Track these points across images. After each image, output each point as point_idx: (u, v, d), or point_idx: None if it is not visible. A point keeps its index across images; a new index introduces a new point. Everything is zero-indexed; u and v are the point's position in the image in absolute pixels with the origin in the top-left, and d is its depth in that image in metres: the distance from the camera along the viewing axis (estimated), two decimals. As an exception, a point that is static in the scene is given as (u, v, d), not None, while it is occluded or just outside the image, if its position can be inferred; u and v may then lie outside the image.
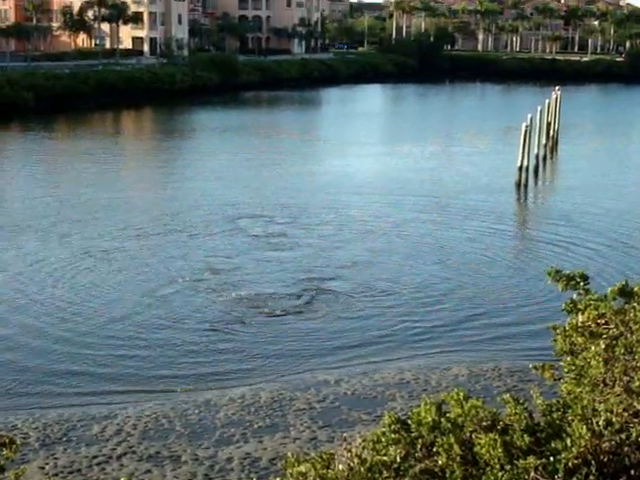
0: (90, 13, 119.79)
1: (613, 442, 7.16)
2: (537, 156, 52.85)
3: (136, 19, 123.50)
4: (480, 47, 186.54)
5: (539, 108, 54.67)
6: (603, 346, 7.79)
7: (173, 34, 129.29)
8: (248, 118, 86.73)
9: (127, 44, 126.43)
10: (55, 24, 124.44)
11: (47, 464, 16.38)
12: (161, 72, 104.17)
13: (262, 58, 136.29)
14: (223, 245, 33.91)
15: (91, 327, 24.51)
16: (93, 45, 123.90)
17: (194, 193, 44.34)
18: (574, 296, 8.81)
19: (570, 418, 7.60)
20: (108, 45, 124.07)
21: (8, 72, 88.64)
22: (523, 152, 47.68)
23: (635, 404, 7.48)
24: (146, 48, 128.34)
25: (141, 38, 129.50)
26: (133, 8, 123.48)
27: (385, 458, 7.09)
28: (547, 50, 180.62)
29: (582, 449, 7.02)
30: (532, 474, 6.71)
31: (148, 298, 27.16)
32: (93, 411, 18.95)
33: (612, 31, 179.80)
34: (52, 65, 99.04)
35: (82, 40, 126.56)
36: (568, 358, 8.19)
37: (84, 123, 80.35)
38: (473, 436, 7.24)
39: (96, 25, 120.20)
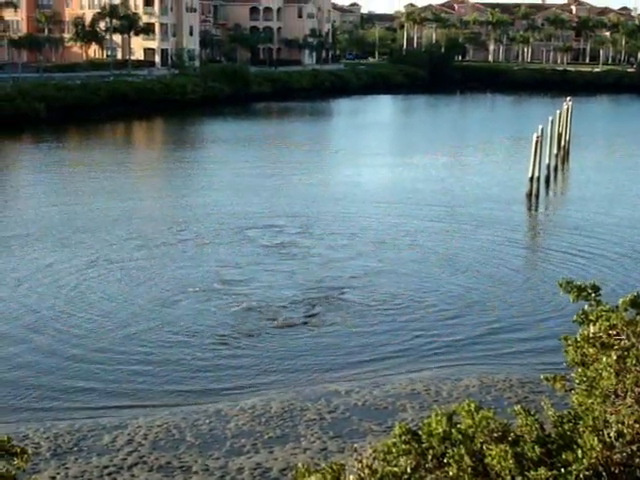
0: (102, 24, 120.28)
1: (624, 454, 7.14)
2: (548, 166, 52.77)
3: (147, 30, 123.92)
4: (491, 58, 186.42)
5: (550, 119, 54.62)
6: (614, 357, 7.77)
7: (184, 45, 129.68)
8: (259, 129, 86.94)
9: (139, 55, 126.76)
10: (67, 35, 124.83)
11: (58, 474, 16.41)
12: (172, 83, 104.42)
13: (273, 69, 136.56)
14: (235, 256, 33.94)
15: (102, 342, 24.55)
16: (105, 56, 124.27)
17: (206, 203, 44.41)
18: (585, 307, 8.80)
19: (581, 429, 7.58)
20: (120, 56, 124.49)
21: (20, 83, 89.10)
22: (534, 163, 47.62)
23: (647, 415, 7.45)
24: (157, 59, 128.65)
25: (152, 49, 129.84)
26: (145, 19, 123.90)
27: (396, 469, 7.09)
28: (558, 61, 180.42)
29: (593, 460, 7.01)
30: (543, 485, 6.69)
31: (159, 310, 27.21)
32: (104, 421, 18.97)
33: (623, 42, 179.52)
34: (64, 76, 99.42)
35: (94, 51, 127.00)
36: (579, 369, 8.18)
37: (95, 134, 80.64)
38: (484, 447, 7.23)
39: (108, 36, 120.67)
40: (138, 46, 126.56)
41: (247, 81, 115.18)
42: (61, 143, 72.73)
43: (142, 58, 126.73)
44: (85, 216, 40.82)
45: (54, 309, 26.93)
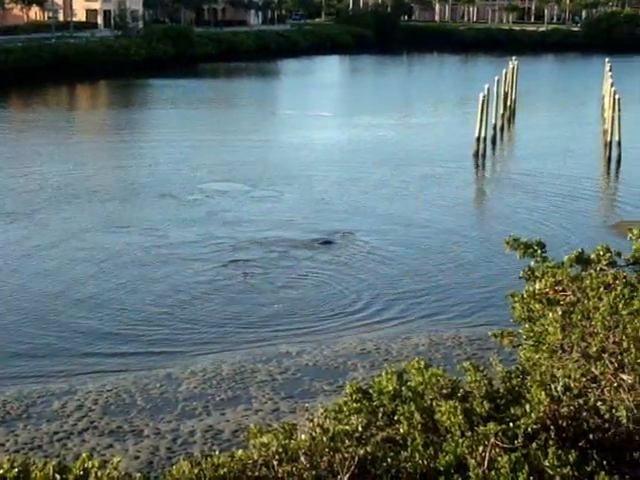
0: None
1: (572, 407, 7.26)
2: (495, 126, 53.07)
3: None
4: (437, 18, 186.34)
5: (496, 78, 54.83)
6: (560, 313, 7.88)
7: (127, 6, 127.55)
8: (205, 90, 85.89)
9: (81, 17, 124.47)
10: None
11: (7, 441, 16.27)
12: (115, 44, 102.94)
13: (218, 30, 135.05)
14: (183, 216, 33.67)
15: (50, 306, 24.28)
16: (46, 18, 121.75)
17: (151, 167, 43.97)
18: (532, 263, 8.89)
19: (529, 384, 7.69)
20: (61, 18, 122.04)
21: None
22: (481, 123, 47.85)
23: (593, 369, 7.59)
24: (100, 20, 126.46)
25: (95, 10, 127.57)
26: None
27: (347, 427, 7.14)
28: (504, 20, 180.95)
29: (541, 414, 7.11)
30: (492, 440, 6.79)
31: (105, 273, 26.95)
32: (53, 387, 18.82)
33: (568, 1, 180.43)
34: (4, 39, 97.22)
35: (35, 13, 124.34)
36: (526, 325, 8.29)
37: (38, 97, 79.07)
38: (434, 404, 7.30)
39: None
40: (80, 7, 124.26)
41: (191, 42, 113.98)
42: (2, 106, 71.24)
43: (84, 19, 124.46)
44: (22, 181, 40.15)
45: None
